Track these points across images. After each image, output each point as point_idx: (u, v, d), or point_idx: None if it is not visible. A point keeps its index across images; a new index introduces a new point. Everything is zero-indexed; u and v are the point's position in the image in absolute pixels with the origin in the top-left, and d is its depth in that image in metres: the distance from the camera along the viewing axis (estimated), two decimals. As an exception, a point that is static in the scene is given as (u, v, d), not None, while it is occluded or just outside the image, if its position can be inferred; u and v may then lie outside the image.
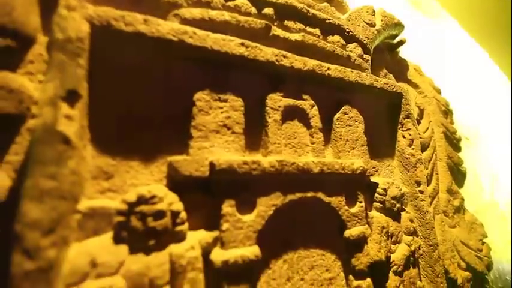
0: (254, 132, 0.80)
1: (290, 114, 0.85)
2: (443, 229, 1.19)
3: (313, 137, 0.86)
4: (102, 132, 0.64)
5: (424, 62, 1.69)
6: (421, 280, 0.97)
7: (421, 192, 1.05)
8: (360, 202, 0.88)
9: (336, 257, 0.83)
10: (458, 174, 1.37)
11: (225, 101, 0.75)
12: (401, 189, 0.99)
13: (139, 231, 0.57)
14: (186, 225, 0.61)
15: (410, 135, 1.11)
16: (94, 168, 0.62)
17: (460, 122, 2.17)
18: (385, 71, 1.22)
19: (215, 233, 0.64)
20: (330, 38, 1.02)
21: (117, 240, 0.56)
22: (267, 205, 0.70)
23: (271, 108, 0.81)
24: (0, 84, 0.59)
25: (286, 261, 0.75)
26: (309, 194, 0.78)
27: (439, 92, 1.45)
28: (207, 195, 0.68)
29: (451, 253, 1.17)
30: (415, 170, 1.07)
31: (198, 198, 0.68)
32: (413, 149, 1.10)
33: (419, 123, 1.29)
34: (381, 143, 1.11)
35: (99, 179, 0.62)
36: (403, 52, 1.51)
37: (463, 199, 1.33)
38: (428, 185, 1.22)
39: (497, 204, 2.55)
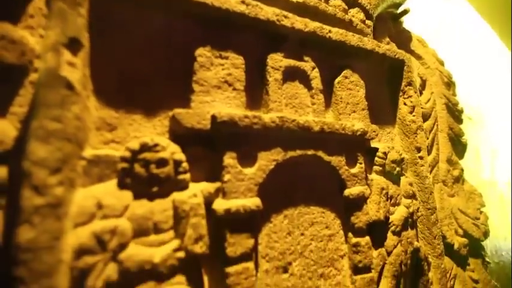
0: (255, 93, 0.81)
1: (291, 74, 0.85)
2: (442, 197, 1.21)
3: (313, 98, 0.87)
4: (105, 85, 0.64)
5: (428, 40, 1.65)
6: (418, 241, 0.99)
7: (421, 158, 1.06)
8: (360, 163, 0.89)
9: (335, 215, 0.85)
10: (458, 145, 1.38)
11: (226, 58, 0.75)
12: (401, 154, 1.00)
13: (142, 177, 0.58)
14: (188, 175, 0.63)
15: (411, 102, 1.10)
16: (98, 119, 0.63)
17: (463, 101, 2.16)
18: (387, 39, 1.20)
19: (217, 184, 0.66)
20: (332, 1, 1.01)
21: (122, 186, 0.58)
22: (267, 159, 0.71)
23: (272, 67, 0.81)
24: (2, 34, 0.60)
25: (286, 216, 0.77)
26: (310, 152, 0.79)
27: (442, 63, 1.43)
28: (209, 149, 0.69)
29: (448, 220, 1.19)
30: (416, 136, 1.08)
31: (200, 152, 0.69)
32: (414, 115, 1.10)
33: (421, 94, 1.28)
34: (382, 110, 1.11)
35: (103, 130, 0.63)
36: (406, 25, 1.49)
37: (462, 170, 1.34)
38: (428, 154, 1.23)
39: (496, 183, 2.57)
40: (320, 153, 0.81)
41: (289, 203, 0.78)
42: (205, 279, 0.65)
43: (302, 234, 0.78)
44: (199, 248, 0.59)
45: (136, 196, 0.58)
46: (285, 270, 0.74)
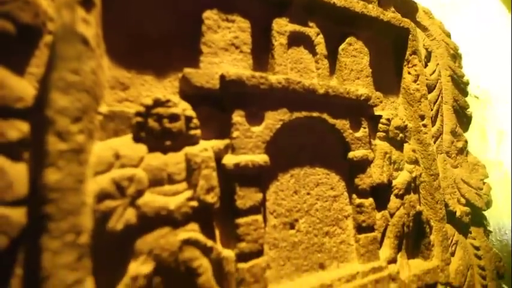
0: (261, 57, 0.82)
1: (296, 40, 0.86)
2: (445, 167, 1.23)
3: (318, 64, 0.88)
4: (116, 46, 0.67)
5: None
6: (420, 205, 1.02)
7: (425, 126, 1.08)
8: (364, 128, 0.91)
9: (340, 177, 0.88)
10: (463, 117, 1.38)
11: (233, 21, 0.76)
12: (404, 121, 1.02)
13: (156, 131, 0.61)
14: (199, 131, 0.66)
15: (415, 71, 1.11)
16: (111, 78, 0.65)
17: (471, 81, 2.15)
18: (392, 9, 1.19)
19: (226, 141, 0.69)
20: (337, -32, 1.00)
21: (137, 140, 0.61)
22: (274, 119, 0.74)
23: (277, 32, 0.82)
24: (17, -5, 0.62)
25: (293, 176, 0.80)
26: (315, 114, 0.81)
27: (448, 35, 1.42)
28: (217, 110, 0.72)
29: (451, 189, 1.21)
30: (420, 104, 1.09)
31: (209, 112, 0.71)
32: (418, 84, 1.10)
33: (426, 65, 1.28)
34: (386, 80, 1.11)
35: (117, 89, 0.66)
36: None
37: (466, 141, 1.35)
38: (432, 126, 1.24)
39: (501, 163, 2.57)
40: (325, 116, 0.83)
41: (295, 164, 0.81)
42: (217, 232, 0.69)
43: (308, 193, 0.82)
44: (211, 198, 0.63)
45: (151, 149, 0.61)
46: (292, 227, 0.78)
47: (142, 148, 0.61)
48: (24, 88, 0.62)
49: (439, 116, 1.28)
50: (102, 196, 0.54)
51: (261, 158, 0.69)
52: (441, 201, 1.06)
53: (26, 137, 0.60)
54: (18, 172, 0.57)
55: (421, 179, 1.03)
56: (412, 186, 0.99)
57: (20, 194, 0.56)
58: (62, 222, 0.49)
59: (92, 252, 0.53)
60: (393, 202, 0.94)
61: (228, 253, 0.66)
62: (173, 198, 0.60)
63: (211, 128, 0.71)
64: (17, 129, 0.59)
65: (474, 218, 1.27)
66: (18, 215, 0.55)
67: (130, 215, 0.56)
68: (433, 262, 0.98)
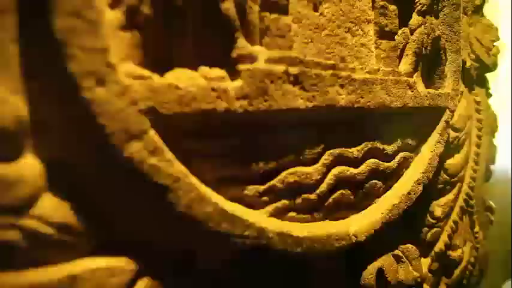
0: None
1: None
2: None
3: None
4: None
5: None
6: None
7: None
8: None
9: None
10: (484, -27, 1.30)
11: None
12: None
13: None
14: None
15: None
16: None
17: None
18: None
19: None
20: None
21: None
22: None
23: None
24: None
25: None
26: None
27: None
28: None
29: (464, 43, 1.18)
30: None
31: None
32: None
33: None
34: None
35: None
36: None
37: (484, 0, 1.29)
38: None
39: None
40: None
41: None
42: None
43: (335, -21, 0.74)
44: None
45: None
46: (316, 9, 0.71)
47: None
48: None
49: (460, -36, 1.18)
50: None
51: None
52: (459, 33, 1.02)
53: None
54: None
55: (443, 3, 0.97)
56: (434, 8, 0.93)
57: None
58: None
59: None
60: (415, 19, 0.89)
61: (251, 5, 0.60)
62: None
63: None
64: None
65: (479, 78, 1.28)
66: None
67: None
68: (445, 90, 0.98)
